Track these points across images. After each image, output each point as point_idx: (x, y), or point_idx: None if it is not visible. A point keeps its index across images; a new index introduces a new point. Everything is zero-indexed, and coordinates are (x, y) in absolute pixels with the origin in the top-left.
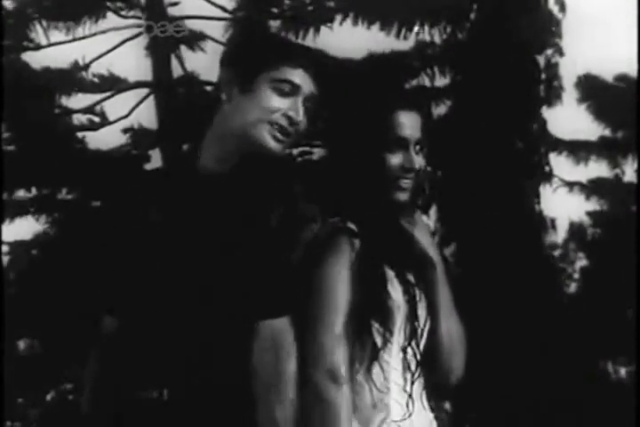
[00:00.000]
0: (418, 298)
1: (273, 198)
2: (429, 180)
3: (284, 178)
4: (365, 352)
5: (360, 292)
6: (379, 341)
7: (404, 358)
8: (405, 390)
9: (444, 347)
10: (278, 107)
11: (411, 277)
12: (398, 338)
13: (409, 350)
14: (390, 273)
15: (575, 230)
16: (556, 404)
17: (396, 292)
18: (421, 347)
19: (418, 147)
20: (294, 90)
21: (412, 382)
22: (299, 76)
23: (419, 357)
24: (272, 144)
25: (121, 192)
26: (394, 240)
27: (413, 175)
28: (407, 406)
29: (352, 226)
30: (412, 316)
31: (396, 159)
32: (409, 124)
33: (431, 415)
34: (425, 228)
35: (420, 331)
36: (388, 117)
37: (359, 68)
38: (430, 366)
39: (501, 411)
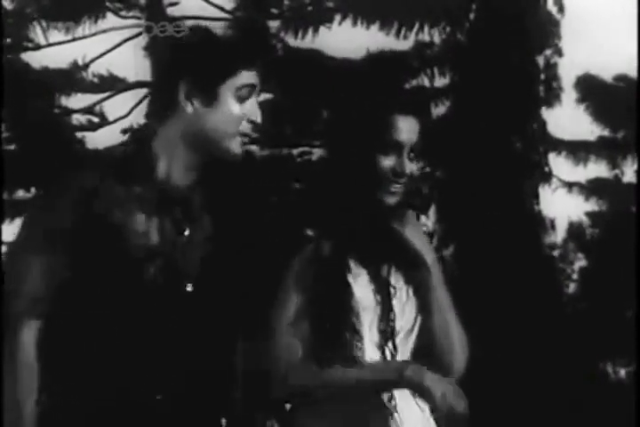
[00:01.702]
0: (396, 297)
1: (255, 204)
2: (428, 180)
3: (251, 178)
4: (335, 350)
5: (318, 291)
6: (347, 339)
7: (383, 357)
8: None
9: (439, 347)
10: (242, 114)
11: (392, 277)
12: (371, 337)
13: (386, 349)
14: (360, 273)
15: (574, 231)
16: (556, 404)
17: (364, 291)
18: (411, 346)
19: (412, 154)
20: (252, 91)
21: None
22: (254, 77)
23: (395, 356)
24: (239, 151)
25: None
26: (368, 239)
27: (404, 180)
28: (390, 404)
29: (308, 231)
30: (384, 315)
31: (388, 162)
32: (406, 128)
33: (428, 415)
34: (419, 229)
35: (407, 330)
36: (386, 120)
37: (358, 69)
38: (426, 366)
39: (500, 411)
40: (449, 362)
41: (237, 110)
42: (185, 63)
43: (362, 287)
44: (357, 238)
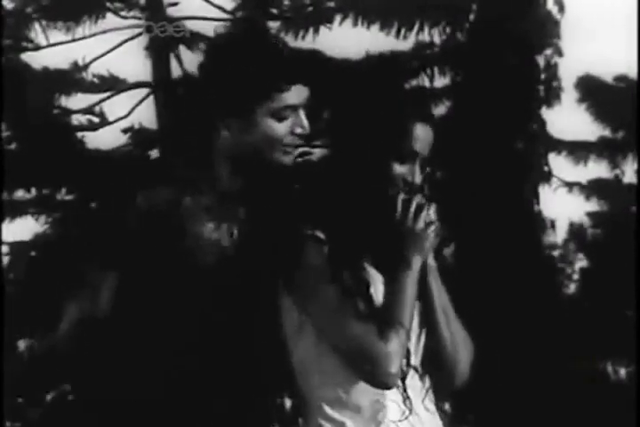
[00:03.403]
0: None
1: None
2: (428, 180)
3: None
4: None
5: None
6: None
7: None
8: (401, 391)
9: (446, 350)
10: (285, 131)
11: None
12: None
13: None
14: (377, 276)
15: (575, 231)
16: (556, 404)
17: (379, 293)
18: (420, 349)
19: (421, 165)
20: (295, 109)
21: (404, 383)
22: (295, 95)
23: (407, 359)
24: (286, 160)
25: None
26: (381, 239)
27: (411, 190)
28: (405, 405)
29: (319, 234)
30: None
31: (401, 170)
32: (422, 137)
33: (440, 422)
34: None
35: (417, 334)
36: (405, 128)
37: (358, 69)
38: (435, 370)
39: (500, 412)
40: (454, 370)
41: (279, 129)
42: (217, 93)
43: (378, 290)
44: (371, 239)
